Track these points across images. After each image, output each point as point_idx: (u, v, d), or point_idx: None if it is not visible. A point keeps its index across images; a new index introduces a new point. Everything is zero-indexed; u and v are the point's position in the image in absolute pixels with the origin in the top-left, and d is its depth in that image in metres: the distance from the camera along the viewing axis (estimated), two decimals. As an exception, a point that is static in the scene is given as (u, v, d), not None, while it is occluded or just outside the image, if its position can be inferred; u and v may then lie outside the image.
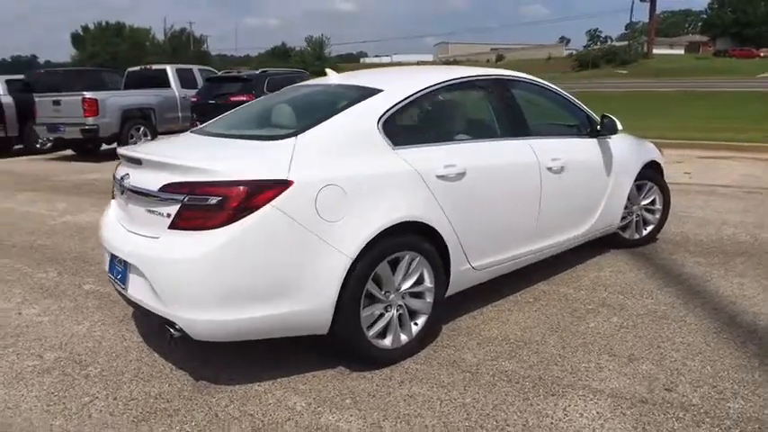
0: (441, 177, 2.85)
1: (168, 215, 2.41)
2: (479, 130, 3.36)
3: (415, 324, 2.88)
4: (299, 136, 2.58)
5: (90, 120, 9.53)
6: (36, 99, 10.29)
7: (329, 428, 2.29)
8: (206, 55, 76.77)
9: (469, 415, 2.36)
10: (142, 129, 10.62)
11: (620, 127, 3.91)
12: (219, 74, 12.79)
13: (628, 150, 4.21)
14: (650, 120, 13.16)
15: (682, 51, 66.65)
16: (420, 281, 2.85)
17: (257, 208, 2.32)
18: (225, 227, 2.30)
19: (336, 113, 2.75)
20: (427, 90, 3.02)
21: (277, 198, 2.35)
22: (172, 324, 2.43)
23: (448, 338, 3.07)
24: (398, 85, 3.03)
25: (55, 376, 2.75)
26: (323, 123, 2.67)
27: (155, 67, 12.08)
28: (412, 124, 3.08)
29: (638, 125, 8.83)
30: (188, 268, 2.34)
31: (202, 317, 2.36)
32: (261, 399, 2.51)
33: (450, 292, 3.11)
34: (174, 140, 3.28)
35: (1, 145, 10.96)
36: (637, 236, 4.52)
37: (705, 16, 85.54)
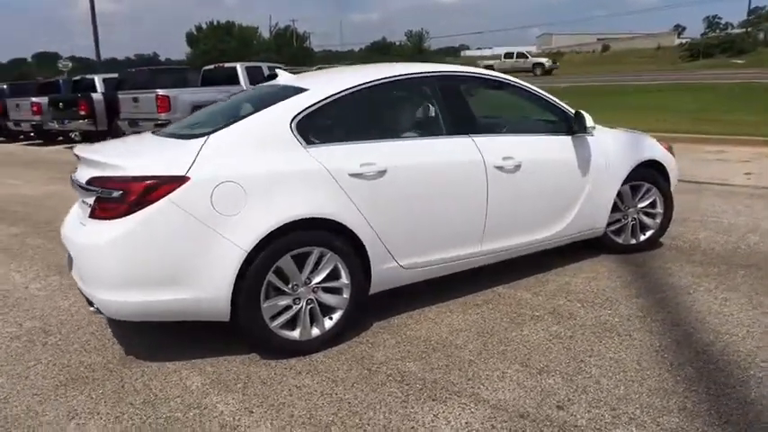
0: (355, 175, 2.88)
1: (90, 206, 2.69)
2: (409, 129, 3.31)
3: (330, 318, 2.94)
4: (210, 135, 2.75)
5: (162, 115, 10.44)
6: (119, 96, 11.47)
7: (206, 408, 2.45)
8: (308, 51, 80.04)
9: (339, 411, 2.40)
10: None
11: (588, 124, 3.65)
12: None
13: (614, 148, 3.92)
14: (742, 113, 11.85)
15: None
16: (335, 277, 2.91)
17: (154, 201, 2.52)
18: (125, 217, 2.53)
19: (253, 114, 2.88)
20: (351, 89, 3.05)
21: (173, 193, 2.54)
22: (91, 303, 2.72)
23: (372, 335, 3.09)
24: (323, 85, 3.08)
25: (22, 342, 3.16)
26: (235, 124, 2.82)
27: (227, 65, 12.91)
28: (330, 123, 3.12)
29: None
30: (97, 254, 2.60)
31: (112, 298, 2.61)
32: (167, 376, 2.73)
33: (377, 289, 3.13)
34: (123, 140, 3.58)
35: (92, 138, 12.34)
36: (633, 241, 4.19)
37: None
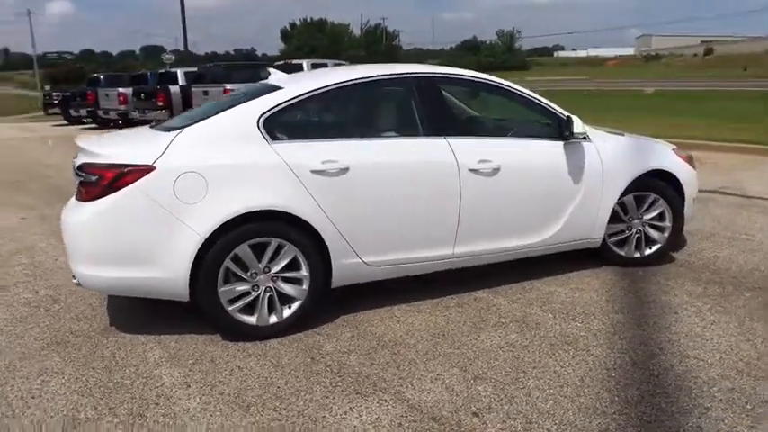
0: (317, 172, 2.98)
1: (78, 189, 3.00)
2: (380, 128, 3.35)
3: (288, 307, 3.07)
4: (184, 129, 2.97)
5: (228, 109, 11.08)
6: (192, 89, 12.29)
7: (152, 378, 2.66)
8: (397, 49, 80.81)
9: (265, 393, 2.52)
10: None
11: (576, 129, 3.49)
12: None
13: (614, 155, 3.73)
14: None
15: None
16: (295, 268, 3.03)
17: (122, 187, 2.77)
18: (97, 200, 2.79)
19: (226, 110, 3.06)
20: (321, 89, 3.14)
21: (139, 180, 2.77)
22: (74, 276, 3.03)
23: (332, 327, 3.19)
24: (297, 84, 3.20)
25: (31, 307, 3.57)
26: (207, 119, 3.02)
27: (294, 62, 13.47)
28: (297, 121, 3.22)
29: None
30: (75, 231, 2.89)
31: (87, 271, 2.90)
32: (134, 347, 2.98)
33: (340, 283, 3.22)
34: (120, 131, 3.88)
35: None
36: (637, 254, 3.97)
37: None
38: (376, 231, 3.17)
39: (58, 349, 2.98)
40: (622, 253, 3.97)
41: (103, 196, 2.79)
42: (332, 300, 3.32)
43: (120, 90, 15.19)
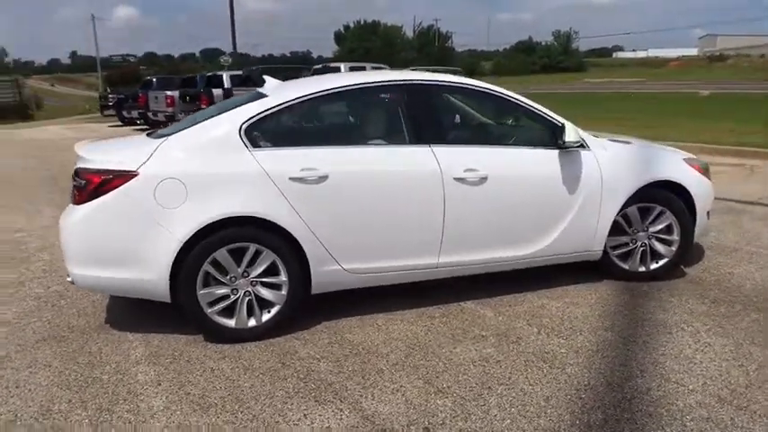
0: (296, 179, 3.01)
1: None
2: (363, 136, 3.33)
3: (268, 312, 3.12)
4: (170, 137, 3.07)
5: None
6: (233, 91, 12.66)
7: (128, 375, 2.77)
8: (450, 51, 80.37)
9: (228, 396, 2.57)
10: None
11: (569, 138, 3.36)
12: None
13: (615, 164, 3.57)
14: None
15: None
16: (274, 273, 3.08)
17: (109, 191, 2.90)
18: (85, 204, 2.93)
19: (211, 118, 3.15)
20: (305, 97, 3.18)
21: (123, 185, 2.89)
22: (68, 274, 3.19)
23: (311, 333, 3.21)
24: (281, 93, 3.25)
25: (40, 301, 3.78)
26: (192, 127, 3.11)
27: (332, 65, 13.63)
28: (279, 129, 3.25)
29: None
30: (67, 232, 3.04)
31: (76, 271, 3.04)
32: (121, 344, 3.11)
33: (321, 290, 3.24)
34: (117, 139, 3.96)
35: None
36: (642, 268, 3.79)
37: None
38: (356, 239, 3.17)
39: (52, 343, 3.15)
40: (626, 266, 3.80)
41: (92, 200, 2.93)
42: (318, 305, 3.36)
43: (168, 93, 15.82)
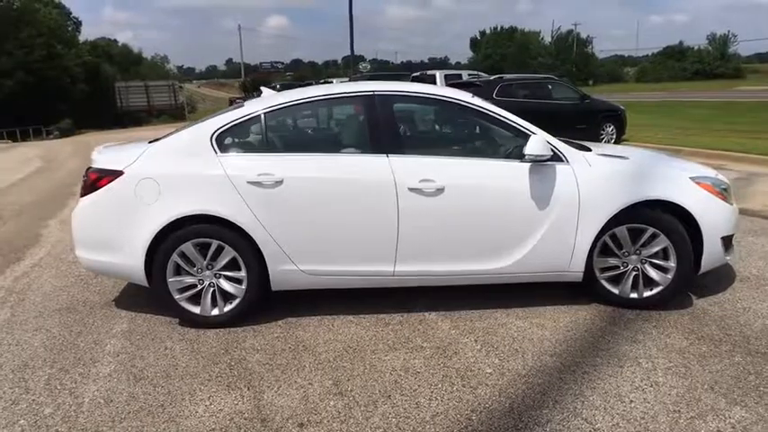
0: (253, 183, 3.26)
1: (83, 188, 3.73)
2: (322, 144, 3.45)
3: (230, 303, 3.41)
4: (157, 141, 3.50)
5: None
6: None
7: (99, 344, 3.22)
8: (588, 56, 75.93)
9: (162, 371, 2.89)
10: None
11: (528, 150, 3.16)
12: None
13: (597, 180, 3.31)
14: None
15: None
16: (236, 268, 3.36)
17: (100, 187, 3.39)
18: (84, 197, 3.46)
19: (194, 125, 3.52)
20: (274, 107, 3.41)
21: (111, 182, 3.36)
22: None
23: (268, 326, 3.42)
24: (255, 103, 3.50)
25: (77, 279, 4.45)
26: (176, 133, 3.50)
27: (429, 72, 13.75)
28: (245, 136, 3.48)
29: None
30: (73, 221, 3.60)
31: (79, 254, 3.59)
32: (113, 320, 3.59)
33: (281, 287, 3.44)
34: (122, 143, 4.44)
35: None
36: (634, 295, 3.46)
37: None
38: (310, 242, 3.34)
39: (63, 313, 3.75)
40: (616, 291, 3.50)
41: (88, 194, 3.45)
42: (292, 302, 3.59)
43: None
